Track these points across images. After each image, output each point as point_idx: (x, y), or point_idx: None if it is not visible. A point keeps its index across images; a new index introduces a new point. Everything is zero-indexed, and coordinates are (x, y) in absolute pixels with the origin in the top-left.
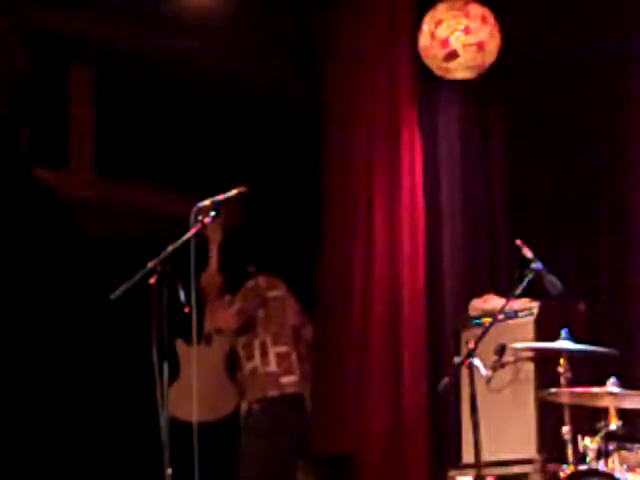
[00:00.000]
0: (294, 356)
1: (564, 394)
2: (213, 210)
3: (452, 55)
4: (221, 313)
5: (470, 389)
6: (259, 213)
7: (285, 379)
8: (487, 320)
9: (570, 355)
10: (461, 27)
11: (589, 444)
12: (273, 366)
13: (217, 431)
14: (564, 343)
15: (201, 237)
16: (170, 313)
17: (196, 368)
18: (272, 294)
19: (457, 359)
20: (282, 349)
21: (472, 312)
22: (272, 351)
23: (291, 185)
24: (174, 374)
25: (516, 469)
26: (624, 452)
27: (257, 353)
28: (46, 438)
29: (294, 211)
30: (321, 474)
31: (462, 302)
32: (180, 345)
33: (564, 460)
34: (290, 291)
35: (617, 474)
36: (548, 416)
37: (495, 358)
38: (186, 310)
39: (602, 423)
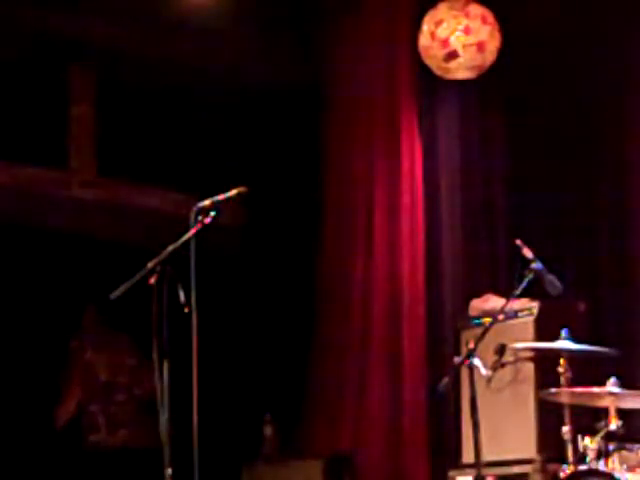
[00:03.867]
0: (99, 413)
1: (564, 394)
2: (213, 210)
3: (452, 55)
4: None
5: (470, 389)
6: (261, 213)
7: (91, 437)
8: (487, 320)
9: (570, 355)
10: (461, 27)
11: (589, 444)
12: None
13: None
14: (564, 343)
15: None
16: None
17: None
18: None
19: (457, 359)
20: (92, 408)
21: (472, 312)
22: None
23: (292, 185)
24: None
25: (516, 469)
26: (624, 452)
27: None
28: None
29: (294, 211)
30: (320, 474)
31: (462, 302)
32: None
33: (564, 460)
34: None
35: (617, 474)
36: (548, 416)
37: (495, 358)
38: (186, 310)
39: (602, 423)
